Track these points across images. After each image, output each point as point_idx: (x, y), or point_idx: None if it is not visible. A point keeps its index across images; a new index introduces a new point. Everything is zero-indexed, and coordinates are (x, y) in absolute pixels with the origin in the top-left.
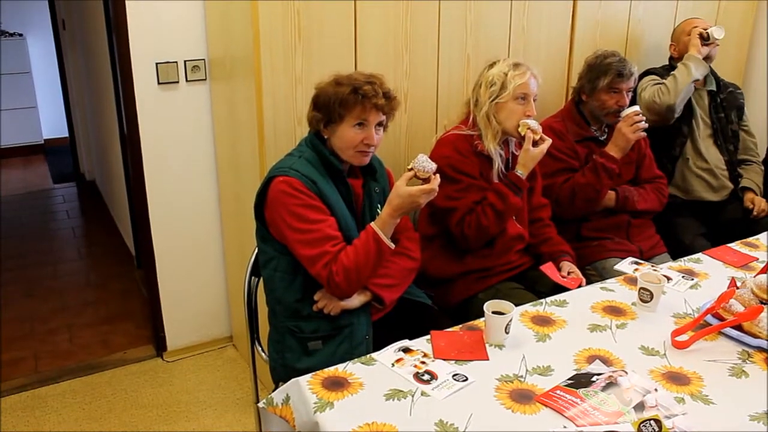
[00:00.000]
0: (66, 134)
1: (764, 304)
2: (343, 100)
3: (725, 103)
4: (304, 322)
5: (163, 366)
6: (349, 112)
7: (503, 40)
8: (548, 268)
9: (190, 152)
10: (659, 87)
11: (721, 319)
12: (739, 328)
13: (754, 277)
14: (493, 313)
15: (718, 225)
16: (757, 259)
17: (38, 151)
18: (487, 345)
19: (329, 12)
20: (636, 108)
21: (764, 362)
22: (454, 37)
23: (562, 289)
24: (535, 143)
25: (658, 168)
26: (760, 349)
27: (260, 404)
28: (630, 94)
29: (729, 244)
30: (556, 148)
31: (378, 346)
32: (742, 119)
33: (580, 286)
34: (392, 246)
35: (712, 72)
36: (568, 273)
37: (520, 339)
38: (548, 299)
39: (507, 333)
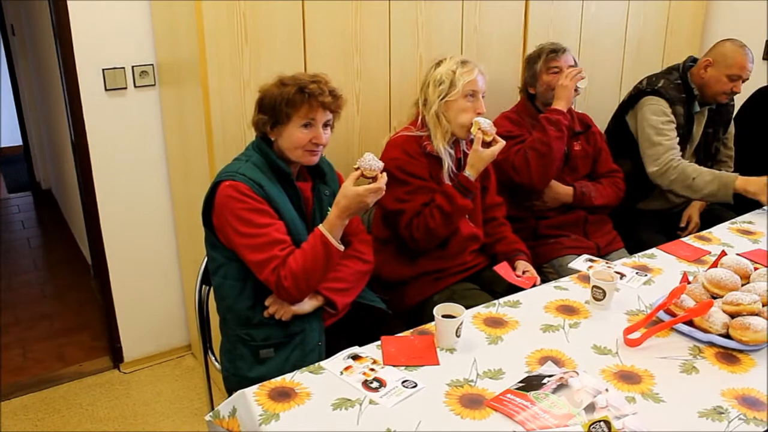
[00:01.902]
0: (20, 142)
1: (715, 298)
2: (290, 100)
3: (717, 117)
4: (255, 330)
5: (120, 378)
6: (296, 112)
7: (455, 39)
8: (502, 268)
9: (141, 159)
10: (680, 177)
11: (673, 315)
12: (690, 323)
13: (706, 271)
14: (444, 316)
15: (677, 220)
16: (710, 252)
17: None
18: (438, 349)
19: (276, 14)
20: (577, 67)
21: (714, 357)
22: (406, 37)
23: (518, 288)
24: (488, 144)
25: (635, 187)
26: (710, 344)
27: (207, 417)
28: None
29: (682, 239)
30: (510, 132)
31: (331, 352)
32: (726, 132)
33: (534, 285)
34: (341, 248)
35: None
36: (523, 272)
37: (472, 342)
38: (501, 300)
39: (458, 336)
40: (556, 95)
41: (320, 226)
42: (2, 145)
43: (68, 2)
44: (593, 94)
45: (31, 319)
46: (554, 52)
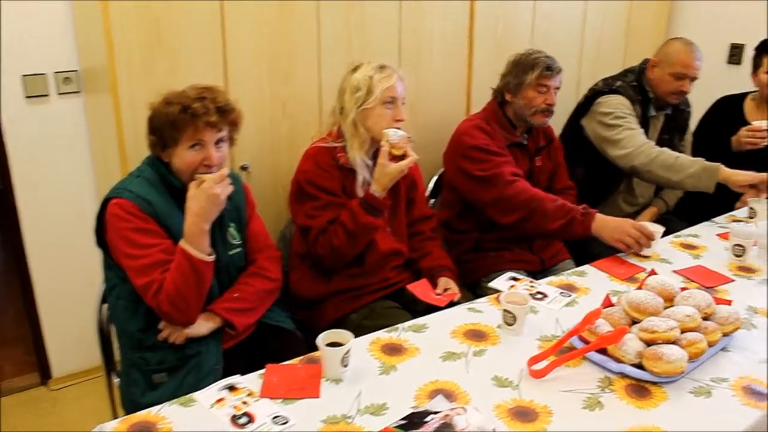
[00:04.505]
0: None
1: (636, 323)
2: (174, 122)
3: (672, 123)
4: (149, 353)
5: (47, 395)
6: (182, 134)
7: (393, 41)
8: (416, 287)
9: (66, 169)
10: (660, 159)
11: (586, 342)
12: (603, 351)
13: (628, 293)
14: (330, 345)
15: None
16: (644, 269)
17: None
18: (323, 380)
19: (193, 18)
20: (660, 230)
21: (624, 390)
22: (337, 40)
23: (438, 307)
24: (399, 158)
25: (587, 195)
26: (622, 374)
27: None
28: (557, 93)
29: (620, 254)
30: (488, 146)
31: (230, 375)
32: (683, 139)
33: (452, 302)
34: (208, 259)
35: None
36: (445, 290)
37: (362, 372)
38: (406, 324)
39: (345, 366)
40: (607, 223)
41: (181, 241)
42: None
43: None
44: None
45: None
46: (550, 70)
